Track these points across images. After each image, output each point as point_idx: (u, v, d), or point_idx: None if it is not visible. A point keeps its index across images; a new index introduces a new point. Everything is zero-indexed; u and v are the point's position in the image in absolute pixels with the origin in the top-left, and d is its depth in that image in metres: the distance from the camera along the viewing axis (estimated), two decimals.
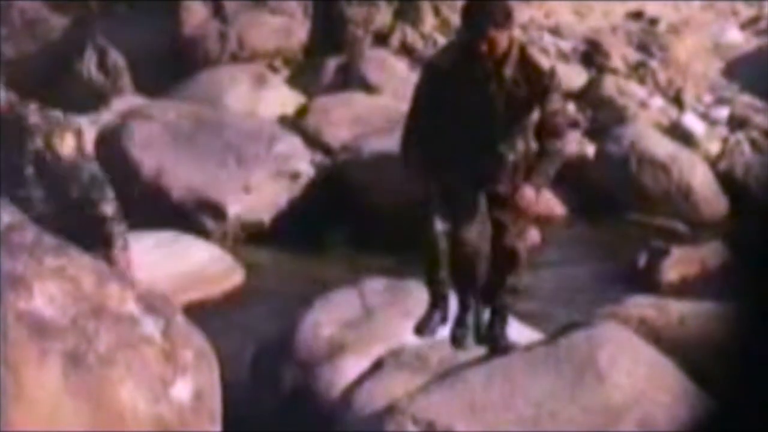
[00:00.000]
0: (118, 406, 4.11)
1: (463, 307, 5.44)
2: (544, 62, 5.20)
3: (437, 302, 5.47)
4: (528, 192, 5.10)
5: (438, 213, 5.18)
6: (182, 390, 4.21)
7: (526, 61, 5.06)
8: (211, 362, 4.45)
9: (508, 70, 5.02)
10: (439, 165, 5.20)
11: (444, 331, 5.66)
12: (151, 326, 4.22)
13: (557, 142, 5.19)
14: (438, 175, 5.20)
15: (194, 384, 4.27)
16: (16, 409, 4.00)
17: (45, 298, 4.09)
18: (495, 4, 5.01)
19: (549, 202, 9.62)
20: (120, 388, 4.10)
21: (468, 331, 5.42)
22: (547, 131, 5.12)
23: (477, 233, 5.26)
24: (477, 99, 5.07)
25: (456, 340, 5.40)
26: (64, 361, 4.06)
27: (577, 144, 10.89)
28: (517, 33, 12.42)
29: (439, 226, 5.16)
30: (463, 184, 5.17)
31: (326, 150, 10.05)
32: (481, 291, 5.39)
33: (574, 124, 10.65)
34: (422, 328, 5.43)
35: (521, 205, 5.11)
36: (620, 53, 11.88)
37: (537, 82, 5.02)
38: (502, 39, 4.98)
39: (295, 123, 10.52)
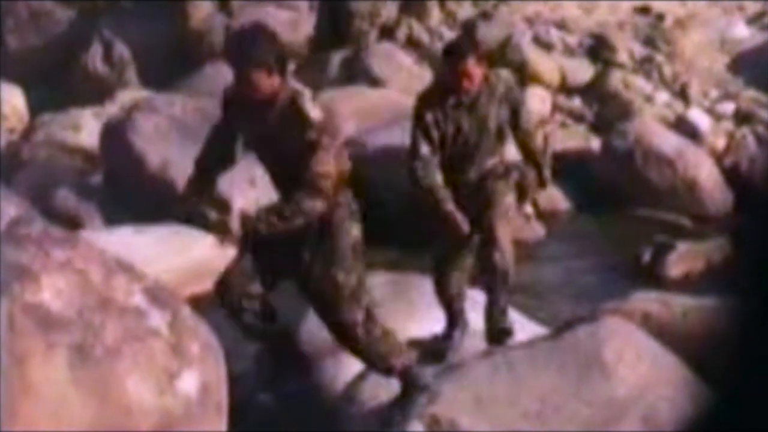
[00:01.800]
0: (125, 399, 4.12)
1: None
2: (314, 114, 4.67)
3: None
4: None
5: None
6: (189, 383, 4.22)
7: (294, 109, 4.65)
8: (218, 355, 4.46)
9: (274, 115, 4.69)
10: None
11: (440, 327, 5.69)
12: (157, 319, 4.23)
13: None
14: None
15: (201, 377, 4.28)
16: (22, 401, 4.01)
17: (52, 291, 4.09)
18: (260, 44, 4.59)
19: (554, 197, 9.63)
20: (126, 380, 4.11)
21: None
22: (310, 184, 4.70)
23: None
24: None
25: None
26: (71, 353, 4.07)
27: (582, 138, 10.90)
28: (522, 27, 12.43)
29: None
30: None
31: None
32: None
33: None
34: (445, 350, 5.47)
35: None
36: (626, 48, 11.87)
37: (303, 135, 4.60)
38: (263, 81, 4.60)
39: None
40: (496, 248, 5.30)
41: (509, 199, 5.43)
